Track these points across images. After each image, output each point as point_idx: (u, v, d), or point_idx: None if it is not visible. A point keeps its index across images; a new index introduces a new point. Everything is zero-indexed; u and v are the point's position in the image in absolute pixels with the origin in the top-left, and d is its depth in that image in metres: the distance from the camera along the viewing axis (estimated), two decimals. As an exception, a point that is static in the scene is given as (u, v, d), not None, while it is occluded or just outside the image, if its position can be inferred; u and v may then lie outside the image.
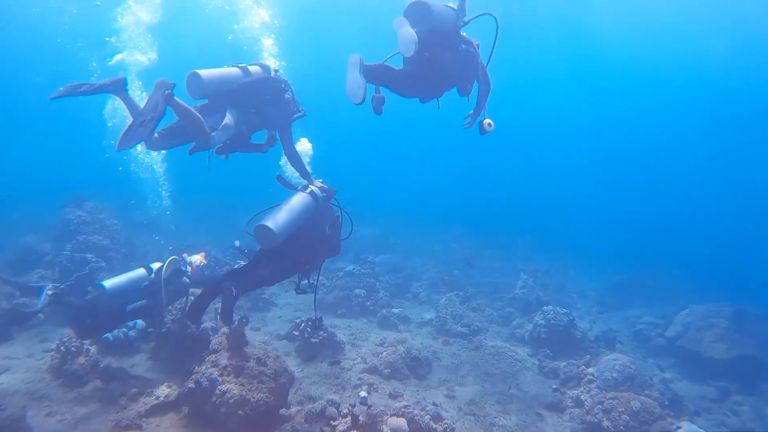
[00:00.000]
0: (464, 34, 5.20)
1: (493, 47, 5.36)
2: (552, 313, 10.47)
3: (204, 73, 5.08)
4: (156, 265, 7.12)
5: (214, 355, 6.50)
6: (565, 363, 9.41)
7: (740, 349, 10.39)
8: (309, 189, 5.90)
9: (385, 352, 8.89)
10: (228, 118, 5.12)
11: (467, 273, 16.76)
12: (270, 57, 7.83)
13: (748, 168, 35.28)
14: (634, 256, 21.87)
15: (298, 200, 5.63)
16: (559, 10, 28.81)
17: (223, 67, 5.48)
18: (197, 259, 7.93)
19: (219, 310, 5.53)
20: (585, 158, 41.61)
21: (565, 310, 10.53)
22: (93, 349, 7.23)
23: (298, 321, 9.41)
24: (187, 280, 7.59)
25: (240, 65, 5.61)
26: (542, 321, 10.44)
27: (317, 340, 8.95)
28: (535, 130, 42.32)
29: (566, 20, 30.43)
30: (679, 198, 35.54)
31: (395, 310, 11.58)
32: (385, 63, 4.96)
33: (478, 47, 5.26)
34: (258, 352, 6.59)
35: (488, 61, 5.40)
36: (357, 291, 11.80)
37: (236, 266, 7.13)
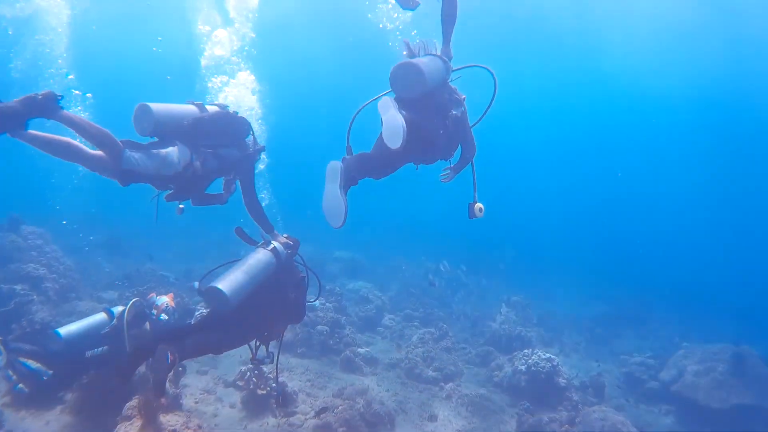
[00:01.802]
0: (451, 85, 4.82)
1: (490, 105, 4.93)
2: (534, 358, 9.38)
3: (155, 105, 4.57)
4: (118, 309, 6.50)
5: (124, 424, 5.40)
6: (547, 418, 8.30)
7: (740, 397, 9.38)
8: (271, 246, 5.35)
9: (341, 406, 7.76)
10: (171, 150, 4.62)
11: (444, 302, 15.76)
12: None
13: (742, 190, 34.70)
14: (624, 283, 20.99)
15: (257, 259, 5.09)
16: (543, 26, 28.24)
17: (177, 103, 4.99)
18: (165, 301, 7.09)
19: (151, 376, 4.73)
20: (570, 181, 41.05)
21: (547, 356, 9.44)
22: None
23: (243, 369, 8.24)
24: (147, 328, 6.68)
25: (196, 102, 5.12)
26: (523, 367, 9.35)
27: (264, 392, 7.80)
28: (518, 151, 41.71)
29: (542, 39, 29.93)
30: (669, 223, 34.93)
31: (361, 350, 10.44)
32: (362, 156, 4.31)
33: (464, 102, 4.84)
34: (176, 423, 5.49)
35: (478, 121, 5.06)
36: (319, 327, 10.64)
37: (176, 325, 6.44)
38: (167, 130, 4.73)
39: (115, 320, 6.30)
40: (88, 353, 6.00)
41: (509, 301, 13.90)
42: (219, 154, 5.21)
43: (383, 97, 4.21)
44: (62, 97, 3.86)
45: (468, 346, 12.30)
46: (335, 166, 3.94)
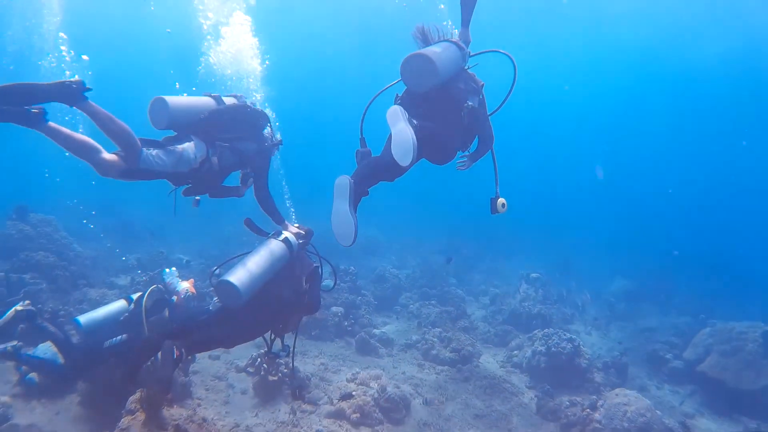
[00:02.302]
0: (469, 72, 4.48)
1: (509, 93, 4.56)
2: (554, 338, 9.09)
3: (171, 98, 4.50)
4: (137, 296, 6.32)
5: (127, 418, 5.23)
6: (567, 401, 8.03)
7: (771, 377, 9.00)
8: (282, 236, 5.15)
9: (355, 393, 7.57)
10: (187, 146, 4.52)
11: (463, 279, 15.50)
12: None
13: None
14: (647, 257, 20.44)
15: (269, 250, 4.91)
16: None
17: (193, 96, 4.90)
18: (185, 287, 6.80)
19: (157, 372, 4.52)
20: (592, 155, 40.05)
21: (568, 336, 9.14)
22: (6, 399, 5.96)
23: (255, 354, 8.07)
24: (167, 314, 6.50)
25: (213, 95, 5.01)
26: (542, 348, 9.06)
27: (275, 378, 7.63)
28: (538, 126, 40.78)
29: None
30: (693, 195, 33.96)
31: (376, 331, 10.26)
32: (371, 165, 4.07)
33: (482, 88, 4.51)
34: (179, 417, 5.30)
35: (496, 110, 4.68)
36: (333, 309, 10.45)
37: (193, 312, 6.20)
38: (183, 124, 4.64)
39: (132, 305, 6.16)
40: (107, 343, 5.83)
41: (528, 277, 13.57)
42: (236, 148, 5.08)
43: (392, 107, 3.88)
44: (90, 88, 3.81)
45: (486, 324, 12.06)
46: (344, 183, 3.70)
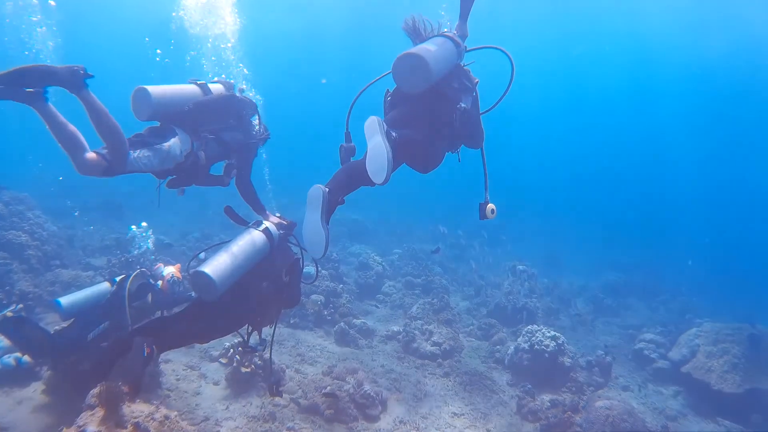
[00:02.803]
0: (464, 69, 4.22)
1: (506, 92, 4.28)
2: (538, 335, 8.84)
3: (154, 89, 4.31)
4: (120, 278, 6.07)
5: (86, 414, 4.94)
6: (549, 401, 7.83)
7: (755, 381, 8.83)
8: (263, 226, 4.95)
9: (329, 387, 7.31)
10: (172, 142, 4.35)
11: (448, 268, 15.27)
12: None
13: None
14: (635, 251, 20.35)
15: (248, 241, 4.71)
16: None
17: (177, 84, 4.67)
18: (170, 272, 6.57)
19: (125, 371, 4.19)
20: (583, 144, 39.82)
21: (552, 333, 8.89)
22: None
23: (228, 344, 7.78)
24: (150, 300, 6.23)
25: (198, 82, 4.84)
26: (526, 345, 8.83)
27: (248, 369, 7.35)
28: (529, 114, 40.41)
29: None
30: (681, 189, 33.85)
31: (357, 321, 9.98)
32: (349, 171, 3.80)
33: (476, 86, 4.25)
34: (140, 414, 5.01)
35: (490, 109, 4.45)
36: (314, 297, 10.17)
37: (179, 297, 6.05)
38: (167, 115, 4.45)
39: (114, 287, 5.88)
40: (90, 335, 5.55)
41: (515, 270, 13.32)
42: (222, 139, 4.92)
43: (370, 118, 3.56)
44: (92, 75, 3.64)
45: (470, 317, 11.85)
46: (317, 194, 3.46)
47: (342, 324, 9.63)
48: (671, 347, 10.53)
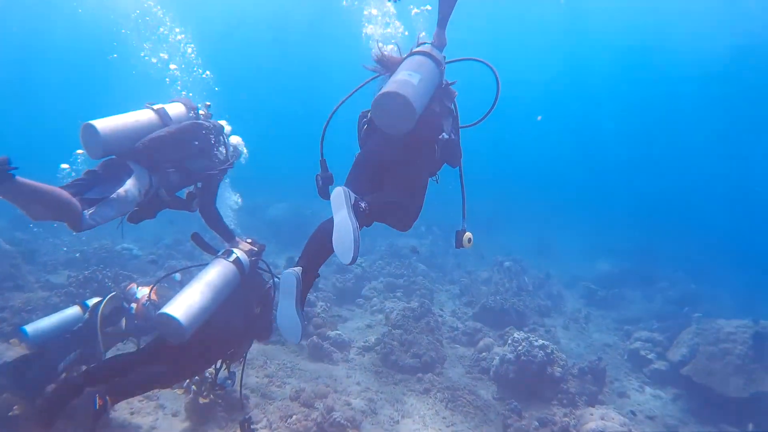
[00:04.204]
0: (444, 83, 3.82)
1: (492, 108, 3.92)
2: (524, 344, 8.15)
3: (102, 125, 3.87)
4: (93, 303, 5.63)
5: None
6: (537, 420, 7.17)
7: (760, 384, 8.20)
8: (233, 256, 4.68)
9: (294, 417, 6.62)
10: (129, 186, 3.96)
11: (433, 264, 14.59)
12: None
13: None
14: (630, 236, 19.71)
15: (218, 274, 4.42)
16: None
17: (131, 110, 4.23)
18: (145, 294, 6.03)
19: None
20: (580, 132, 39.01)
21: (540, 342, 8.19)
22: None
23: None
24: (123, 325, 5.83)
25: (155, 106, 4.38)
26: (511, 356, 8.14)
27: (206, 400, 6.65)
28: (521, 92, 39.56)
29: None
30: (683, 173, 33.11)
31: (331, 333, 9.25)
32: (318, 239, 3.33)
33: (455, 98, 3.89)
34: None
35: (474, 124, 4.07)
36: (285, 309, 9.44)
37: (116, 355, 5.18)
38: (122, 149, 4.06)
39: (87, 314, 5.47)
40: (61, 366, 5.06)
41: (502, 266, 12.64)
42: (184, 168, 4.56)
43: (337, 189, 3.12)
44: (17, 167, 3.17)
45: (455, 319, 11.17)
46: (290, 280, 3.06)
47: (315, 338, 8.91)
48: (669, 346, 9.91)
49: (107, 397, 3.71)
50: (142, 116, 4.23)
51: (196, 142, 4.60)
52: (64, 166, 4.29)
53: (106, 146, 3.93)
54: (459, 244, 3.82)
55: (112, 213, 3.86)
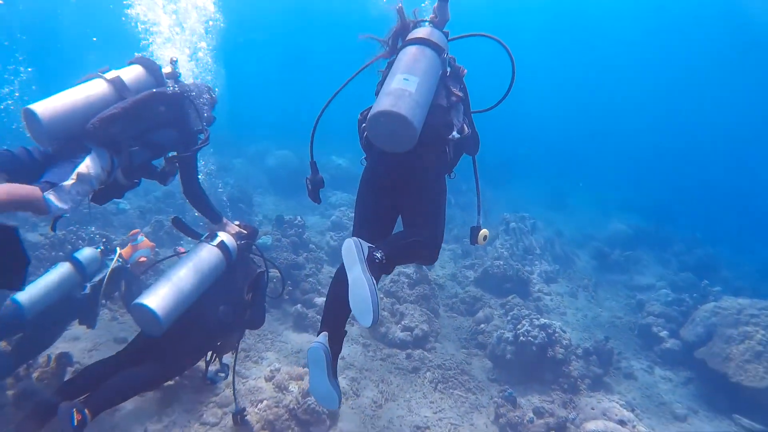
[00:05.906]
0: (448, 69, 3.34)
1: (507, 92, 3.49)
2: (525, 324, 7.46)
3: (43, 108, 3.31)
4: (84, 253, 5.20)
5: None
6: (533, 411, 6.55)
7: (782, 373, 7.49)
8: (218, 240, 4.31)
9: (266, 401, 6.06)
10: (85, 167, 3.46)
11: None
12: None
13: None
14: (647, 193, 18.70)
15: (201, 259, 4.08)
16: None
17: (80, 82, 3.67)
18: (147, 247, 6.01)
19: None
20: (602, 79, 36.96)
21: (542, 322, 7.49)
22: None
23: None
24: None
25: (108, 75, 3.75)
26: (509, 335, 7.47)
27: (172, 382, 6.09)
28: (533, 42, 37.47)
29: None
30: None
31: (318, 300, 8.64)
32: (336, 308, 3.01)
33: (464, 78, 3.42)
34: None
35: (489, 109, 3.64)
36: (270, 272, 8.79)
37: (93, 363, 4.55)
38: (74, 132, 3.50)
39: (88, 289, 5.06)
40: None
41: (508, 227, 11.81)
42: (150, 142, 4.00)
43: (347, 241, 2.70)
44: None
45: (455, 284, 10.48)
46: (317, 354, 2.76)
47: (299, 306, 8.31)
48: (684, 321, 9.17)
49: (85, 410, 3.24)
50: (92, 89, 3.64)
51: (162, 108, 3.98)
52: None
53: (51, 133, 3.40)
54: (474, 240, 3.53)
55: (78, 195, 3.42)
